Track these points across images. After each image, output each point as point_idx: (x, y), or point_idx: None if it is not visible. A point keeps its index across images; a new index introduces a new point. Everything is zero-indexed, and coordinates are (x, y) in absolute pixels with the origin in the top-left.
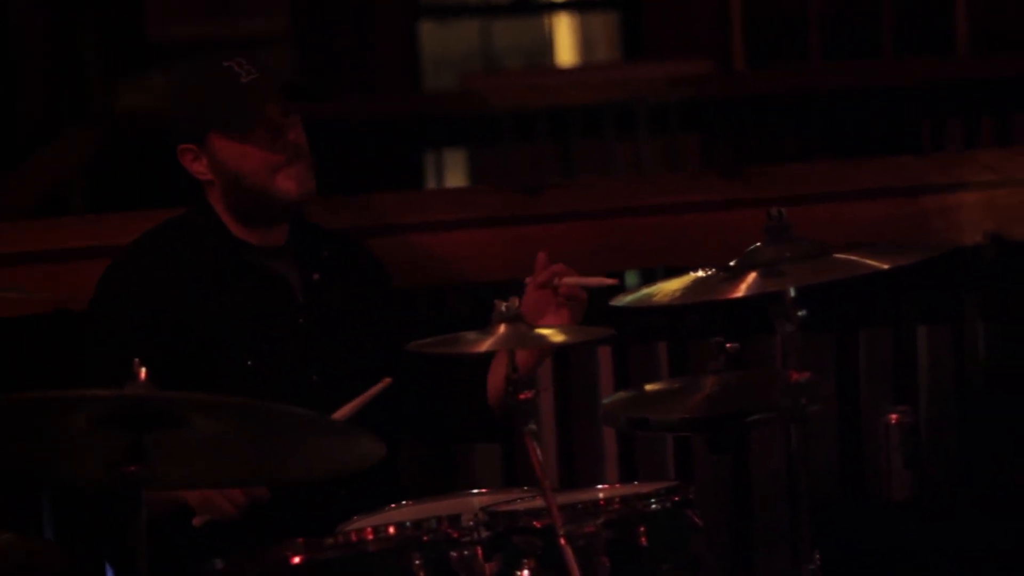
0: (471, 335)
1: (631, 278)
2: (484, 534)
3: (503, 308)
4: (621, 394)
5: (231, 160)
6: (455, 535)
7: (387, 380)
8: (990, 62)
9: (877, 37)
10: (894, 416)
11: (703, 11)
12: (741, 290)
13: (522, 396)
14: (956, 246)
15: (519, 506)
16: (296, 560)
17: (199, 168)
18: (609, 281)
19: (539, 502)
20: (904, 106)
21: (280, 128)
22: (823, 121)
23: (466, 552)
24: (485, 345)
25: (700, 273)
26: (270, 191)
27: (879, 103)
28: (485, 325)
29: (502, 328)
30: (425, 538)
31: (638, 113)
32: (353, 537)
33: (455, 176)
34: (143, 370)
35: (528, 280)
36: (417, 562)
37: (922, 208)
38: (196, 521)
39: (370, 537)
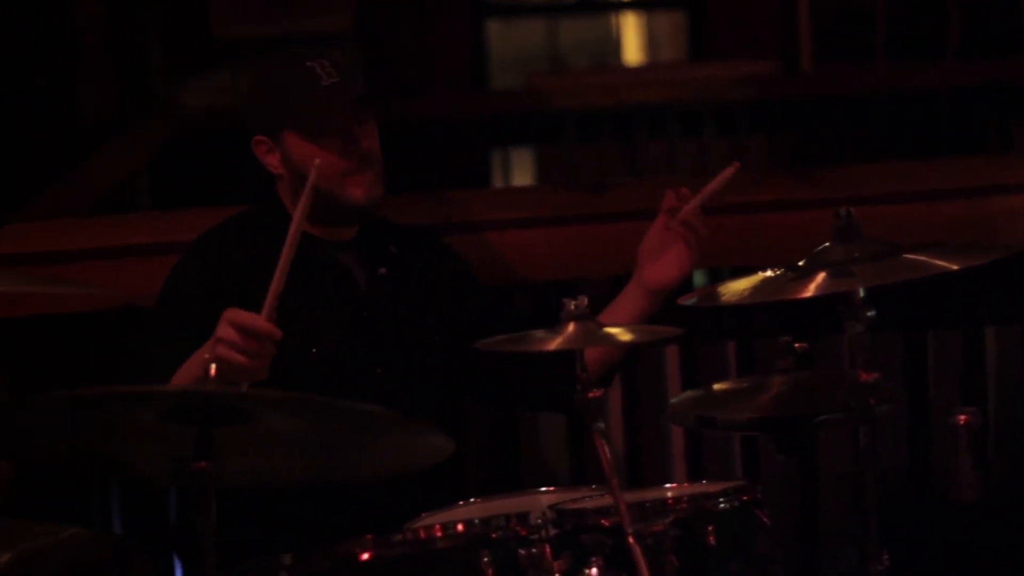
0: (539, 334)
1: (698, 278)
2: (552, 532)
3: (572, 306)
4: (689, 393)
5: (303, 160)
6: (523, 533)
7: None
8: None
9: (943, 38)
10: (962, 417)
11: (769, 11)
12: (810, 290)
13: (591, 395)
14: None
15: (587, 504)
16: (365, 556)
17: (272, 161)
18: (730, 170)
19: (607, 500)
20: (970, 107)
21: (354, 135)
22: (889, 122)
23: (534, 550)
24: (554, 344)
25: (769, 273)
26: (338, 195)
27: (945, 104)
28: (553, 323)
29: (571, 327)
30: (494, 535)
31: (704, 113)
32: (422, 534)
33: (521, 175)
34: (212, 366)
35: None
36: (485, 559)
37: (990, 209)
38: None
39: (439, 534)
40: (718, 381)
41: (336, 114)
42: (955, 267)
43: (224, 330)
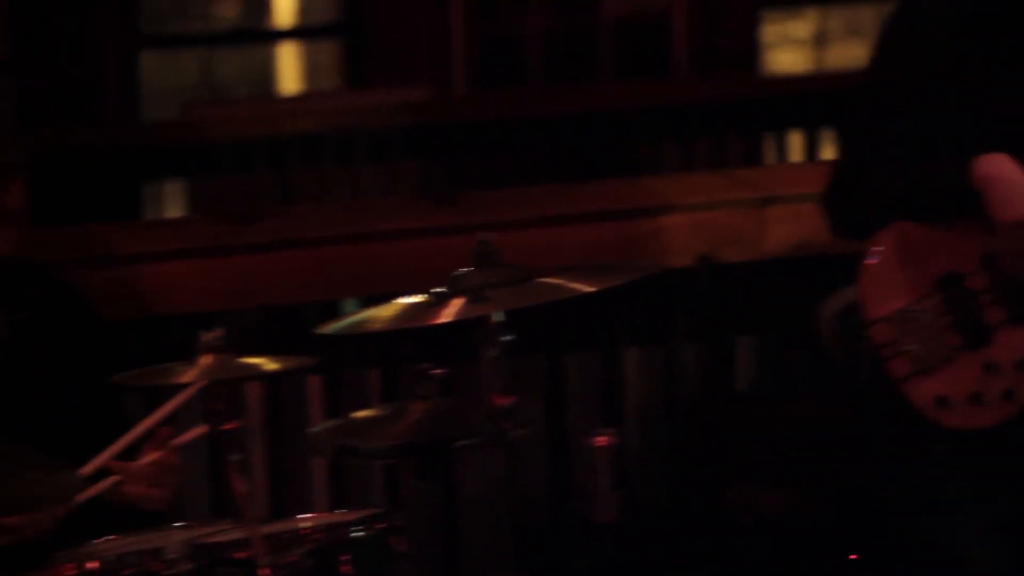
0: (176, 366)
1: (350, 305)
2: (187, 567)
3: (207, 339)
4: (329, 422)
5: None
6: (158, 568)
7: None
8: (707, 85)
9: (596, 62)
10: (602, 438)
11: (425, 38)
12: (447, 315)
13: (224, 427)
14: (664, 268)
15: (223, 538)
16: None
17: None
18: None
19: (243, 533)
20: (623, 129)
21: None
22: (544, 146)
23: None
24: (189, 376)
25: (409, 299)
26: None
27: (598, 127)
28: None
29: (206, 359)
30: (127, 572)
31: (357, 140)
32: (53, 573)
33: (174, 207)
34: None
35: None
36: None
37: (635, 231)
38: None
39: (71, 573)
40: (361, 409)
41: None
42: (591, 289)
43: None
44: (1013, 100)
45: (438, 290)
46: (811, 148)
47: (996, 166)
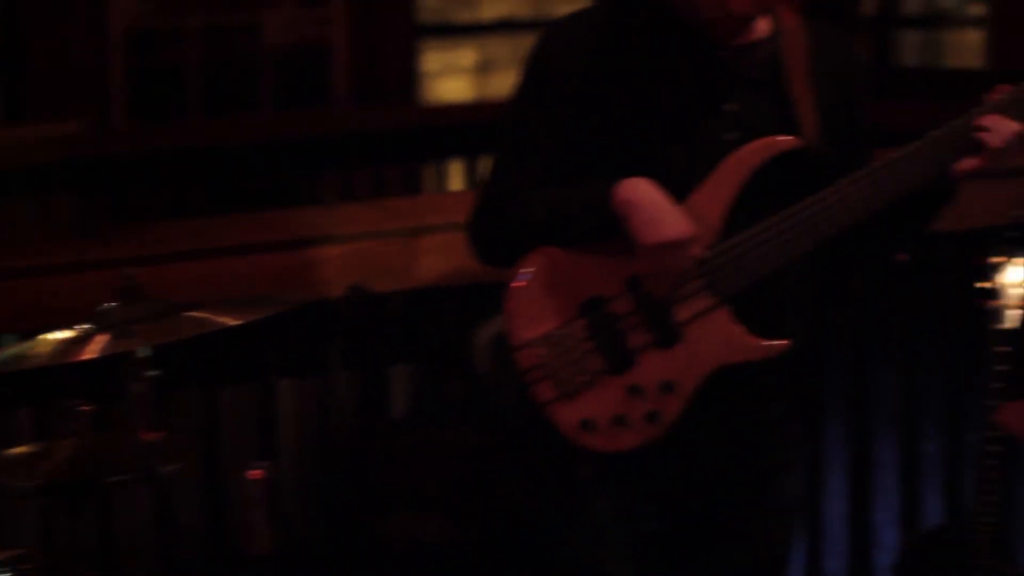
0: None
1: (4, 341)
2: None
3: None
4: None
5: None
6: None
7: None
8: (366, 115)
9: (257, 92)
10: (255, 472)
11: (84, 71)
12: (92, 351)
13: None
14: (315, 299)
15: None
16: None
17: None
18: None
19: None
20: (282, 160)
21: None
22: (203, 178)
23: None
24: None
25: (55, 335)
26: None
27: (258, 158)
28: None
29: None
30: None
31: (14, 175)
32: None
33: None
34: None
35: None
36: None
37: (289, 263)
38: None
39: None
40: (11, 447)
41: None
42: (236, 322)
43: None
44: (651, 127)
45: (84, 326)
46: (471, 177)
47: (636, 190)
